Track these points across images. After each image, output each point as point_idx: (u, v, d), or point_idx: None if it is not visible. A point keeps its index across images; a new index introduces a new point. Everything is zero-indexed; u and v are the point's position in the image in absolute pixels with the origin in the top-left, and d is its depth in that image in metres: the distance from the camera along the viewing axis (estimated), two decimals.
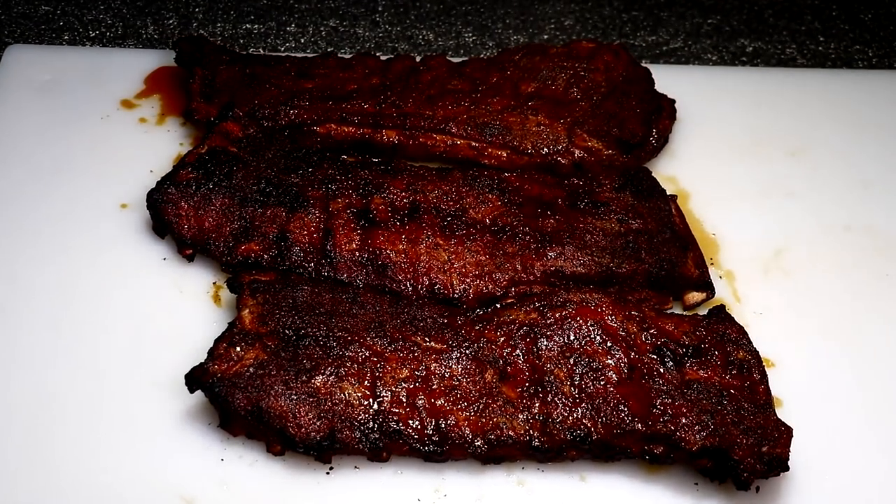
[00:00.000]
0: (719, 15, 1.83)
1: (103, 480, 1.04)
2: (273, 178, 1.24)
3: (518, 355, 1.09)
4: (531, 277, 1.19)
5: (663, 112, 1.41)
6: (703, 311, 1.21)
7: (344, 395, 1.04)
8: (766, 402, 1.08)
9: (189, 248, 1.22)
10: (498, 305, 1.16)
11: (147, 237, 1.25)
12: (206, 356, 1.06)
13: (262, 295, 1.11)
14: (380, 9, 1.79)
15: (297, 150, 1.28)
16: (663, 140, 1.40)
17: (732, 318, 1.15)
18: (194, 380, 1.04)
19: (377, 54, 1.46)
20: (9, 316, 1.17)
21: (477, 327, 1.11)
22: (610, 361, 1.09)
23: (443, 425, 1.04)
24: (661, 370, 1.09)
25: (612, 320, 1.11)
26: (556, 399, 1.06)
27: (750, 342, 1.12)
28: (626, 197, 1.27)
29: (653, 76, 1.43)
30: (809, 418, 1.14)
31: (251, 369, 1.05)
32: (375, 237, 1.20)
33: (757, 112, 1.49)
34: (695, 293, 1.23)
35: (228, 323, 1.11)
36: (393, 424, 1.04)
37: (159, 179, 1.23)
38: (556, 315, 1.11)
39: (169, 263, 1.23)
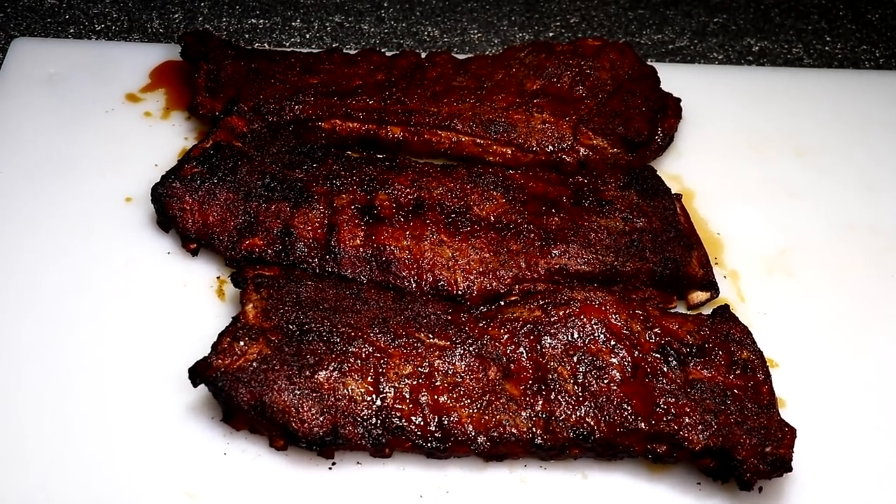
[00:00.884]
0: (725, 14, 1.83)
1: (106, 473, 1.04)
2: (277, 173, 1.24)
3: (521, 353, 1.09)
4: (535, 275, 1.19)
5: (669, 111, 1.40)
6: (707, 311, 1.21)
7: (347, 390, 1.04)
8: (769, 402, 1.08)
9: (193, 242, 1.22)
10: (502, 303, 1.16)
11: (151, 231, 1.25)
12: (209, 350, 1.06)
13: (265, 290, 1.11)
14: (385, 5, 1.79)
15: (301, 145, 1.28)
16: (668, 139, 1.39)
17: (736, 318, 1.14)
18: (198, 374, 1.04)
19: (382, 50, 1.46)
20: (13, 309, 1.17)
21: (480, 324, 1.11)
22: (613, 360, 1.08)
23: (445, 422, 1.04)
24: (665, 369, 1.08)
25: (616, 319, 1.11)
26: (559, 397, 1.06)
27: (754, 342, 1.12)
28: (630, 195, 1.26)
29: (658, 75, 1.43)
30: (813, 419, 1.14)
31: (254, 364, 1.05)
32: (379, 233, 1.19)
33: (763, 112, 1.49)
34: (699, 292, 1.23)
35: (232, 317, 1.11)
36: (396, 420, 1.04)
37: (164, 173, 1.23)
38: (560, 313, 1.11)
39: (173, 257, 1.23)
